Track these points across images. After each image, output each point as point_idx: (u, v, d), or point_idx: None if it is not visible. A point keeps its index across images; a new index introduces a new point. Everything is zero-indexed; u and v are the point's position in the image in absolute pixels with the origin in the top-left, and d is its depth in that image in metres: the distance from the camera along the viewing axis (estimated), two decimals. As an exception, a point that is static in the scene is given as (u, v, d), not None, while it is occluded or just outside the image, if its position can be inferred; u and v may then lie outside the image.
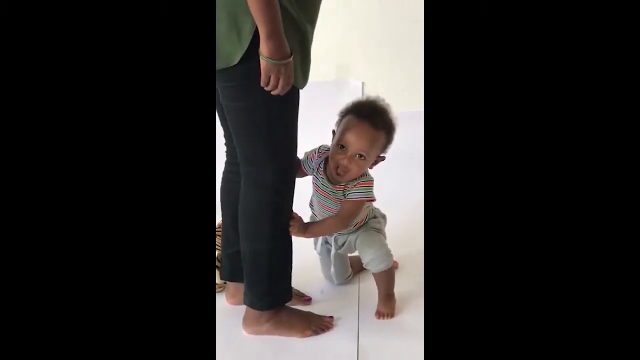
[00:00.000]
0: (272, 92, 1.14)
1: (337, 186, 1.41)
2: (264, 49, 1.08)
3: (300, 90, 1.25)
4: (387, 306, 1.47)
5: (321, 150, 1.45)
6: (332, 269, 1.55)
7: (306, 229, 1.40)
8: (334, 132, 1.41)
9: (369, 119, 1.35)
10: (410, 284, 1.56)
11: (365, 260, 1.47)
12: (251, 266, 1.34)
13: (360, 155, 1.35)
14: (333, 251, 1.53)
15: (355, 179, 1.39)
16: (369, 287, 1.55)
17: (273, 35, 1.06)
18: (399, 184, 1.99)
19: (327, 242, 1.54)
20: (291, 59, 1.12)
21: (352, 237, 1.50)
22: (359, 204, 1.41)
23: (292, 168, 1.32)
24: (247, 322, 1.39)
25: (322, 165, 1.44)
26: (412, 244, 1.61)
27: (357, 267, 1.61)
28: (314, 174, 1.46)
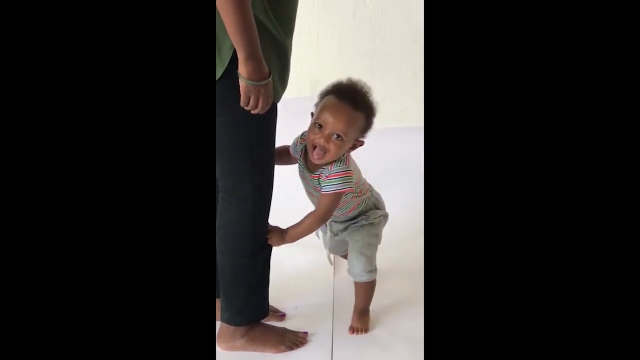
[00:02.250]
0: (251, 112, 1.15)
1: (313, 174, 1.40)
2: (242, 70, 1.09)
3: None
4: (361, 321, 1.49)
5: (304, 136, 1.44)
6: (330, 247, 1.58)
7: (285, 236, 1.39)
8: (312, 114, 1.38)
9: (349, 99, 1.31)
10: (384, 300, 1.59)
11: (350, 270, 1.50)
12: (230, 282, 1.34)
13: (338, 136, 1.30)
14: (329, 235, 1.55)
15: (330, 168, 1.36)
16: (343, 303, 1.57)
17: (251, 57, 1.07)
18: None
19: (325, 225, 1.55)
20: (270, 78, 1.13)
21: (345, 234, 1.52)
22: (335, 197, 1.36)
23: (270, 182, 1.33)
24: (221, 337, 1.40)
25: (303, 151, 1.44)
26: (384, 264, 1.63)
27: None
28: (298, 160, 1.45)
